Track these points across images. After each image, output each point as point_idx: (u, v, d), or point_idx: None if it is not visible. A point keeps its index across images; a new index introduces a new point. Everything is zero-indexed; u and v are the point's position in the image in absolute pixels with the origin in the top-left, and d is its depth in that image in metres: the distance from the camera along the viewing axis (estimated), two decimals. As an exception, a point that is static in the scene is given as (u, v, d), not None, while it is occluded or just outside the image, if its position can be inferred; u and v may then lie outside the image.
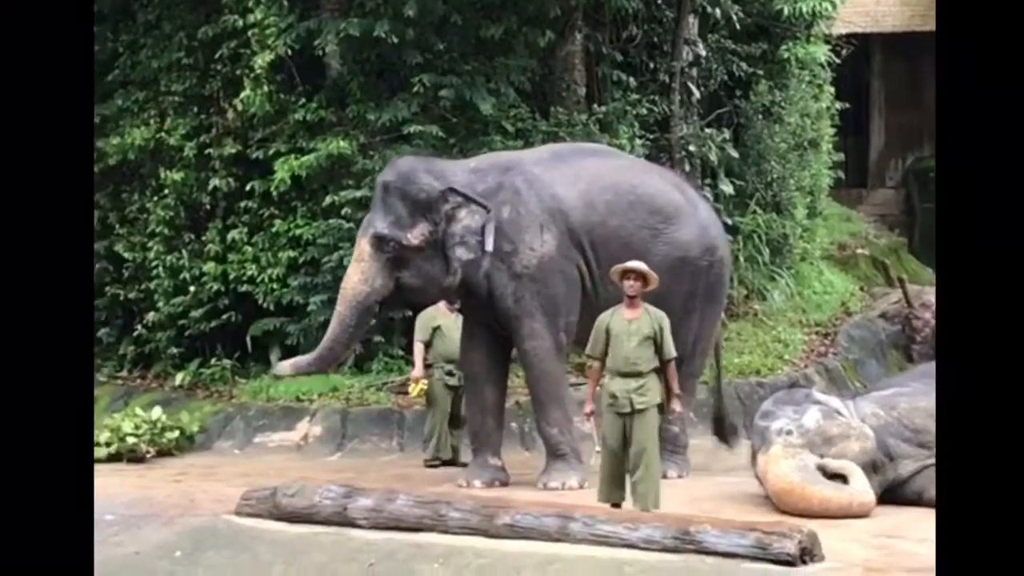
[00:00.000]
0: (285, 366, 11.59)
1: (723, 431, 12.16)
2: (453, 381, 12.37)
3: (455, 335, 12.04)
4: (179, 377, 15.37)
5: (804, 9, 17.22)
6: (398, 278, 10.99)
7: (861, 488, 9.61)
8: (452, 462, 12.36)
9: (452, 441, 12.48)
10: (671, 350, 9.67)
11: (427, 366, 12.44)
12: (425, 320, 12.47)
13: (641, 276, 9.72)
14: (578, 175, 11.44)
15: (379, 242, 10.88)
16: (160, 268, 15.51)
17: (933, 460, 9.51)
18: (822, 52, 18.51)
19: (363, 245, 10.97)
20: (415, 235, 10.89)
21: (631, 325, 9.61)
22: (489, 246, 10.89)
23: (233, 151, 15.25)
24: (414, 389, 12.44)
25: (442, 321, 12.32)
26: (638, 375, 9.55)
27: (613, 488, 9.52)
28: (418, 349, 12.45)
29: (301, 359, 11.50)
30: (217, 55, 15.31)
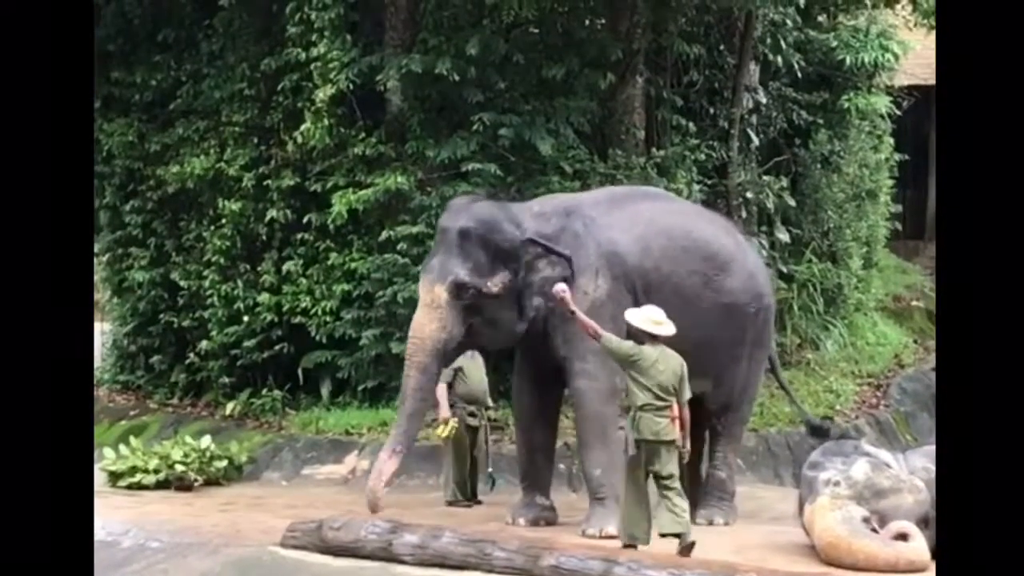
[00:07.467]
0: (384, 477, 10.62)
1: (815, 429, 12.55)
2: (474, 422, 12.38)
3: (475, 376, 12.19)
4: (229, 407, 15.46)
5: (866, 60, 17.22)
6: (471, 324, 10.87)
7: (914, 545, 9.50)
8: (471, 501, 12.34)
9: (471, 481, 12.44)
10: (686, 392, 9.65)
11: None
12: None
13: None
14: (634, 219, 11.37)
15: (458, 289, 10.70)
16: (215, 297, 15.63)
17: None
18: (883, 103, 18.44)
19: (439, 291, 10.74)
20: (495, 283, 10.78)
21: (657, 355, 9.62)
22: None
23: (291, 183, 15.33)
24: (444, 430, 12.17)
25: (463, 363, 12.18)
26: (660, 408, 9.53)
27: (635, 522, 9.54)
28: (441, 390, 12.11)
29: (392, 450, 10.73)
30: (279, 87, 15.41)
